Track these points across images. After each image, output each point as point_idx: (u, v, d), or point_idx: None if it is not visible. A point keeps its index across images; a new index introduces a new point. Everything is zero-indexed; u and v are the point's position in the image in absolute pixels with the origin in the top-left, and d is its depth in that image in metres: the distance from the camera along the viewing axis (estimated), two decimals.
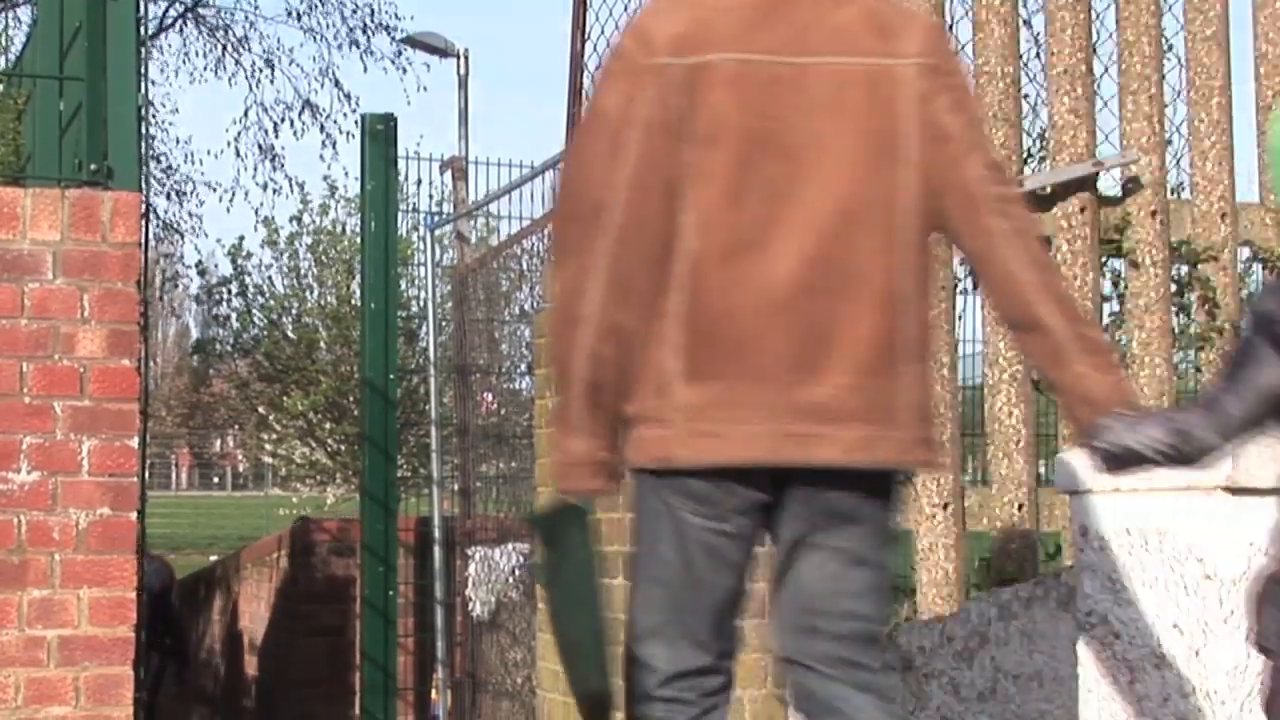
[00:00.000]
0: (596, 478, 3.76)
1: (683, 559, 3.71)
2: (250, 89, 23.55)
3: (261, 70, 23.21)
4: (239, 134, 23.46)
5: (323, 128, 23.32)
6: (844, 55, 3.69)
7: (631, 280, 3.67)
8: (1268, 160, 5.30)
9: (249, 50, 23.25)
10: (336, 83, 23.60)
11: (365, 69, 23.06)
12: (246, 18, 23.54)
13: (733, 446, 3.63)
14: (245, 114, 23.69)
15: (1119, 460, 3.65)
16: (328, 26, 23.18)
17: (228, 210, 24.81)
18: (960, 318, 6.77)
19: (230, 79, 23.34)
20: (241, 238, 20.34)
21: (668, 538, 3.71)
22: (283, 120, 23.39)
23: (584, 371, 3.70)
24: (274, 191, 23.17)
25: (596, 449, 3.73)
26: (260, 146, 23.46)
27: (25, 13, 18.12)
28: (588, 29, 7.69)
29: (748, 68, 3.67)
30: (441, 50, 21.81)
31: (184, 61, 23.23)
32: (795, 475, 3.67)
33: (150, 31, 21.70)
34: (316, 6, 22.98)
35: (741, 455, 3.63)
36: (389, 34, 23.24)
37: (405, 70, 23.44)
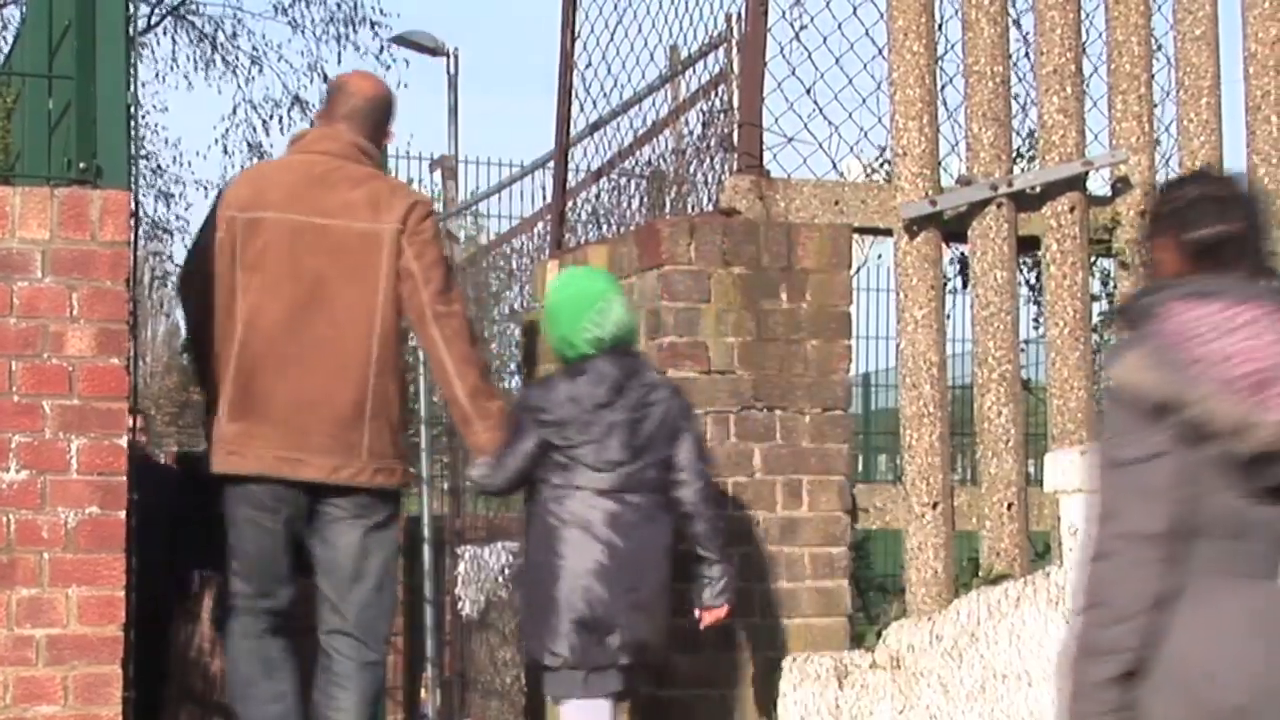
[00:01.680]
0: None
1: (238, 532, 5.77)
2: (239, 86, 23.52)
3: (249, 69, 23.18)
4: (227, 131, 23.43)
5: (312, 124, 23.27)
6: (350, 221, 5.72)
7: (216, 349, 5.77)
8: (548, 322, 5.78)
9: (237, 48, 23.22)
10: (325, 78, 23.53)
11: (340, 61, 22.90)
12: (234, 15, 23.50)
13: (248, 464, 5.68)
14: (234, 111, 23.64)
15: (480, 485, 6.15)
16: (314, 21, 23.11)
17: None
18: (949, 317, 6.78)
19: (219, 78, 23.31)
20: None
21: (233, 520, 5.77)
22: (271, 117, 23.37)
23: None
24: None
25: None
26: (249, 144, 23.42)
27: (14, 12, 18.08)
28: (577, 28, 7.69)
29: (286, 222, 5.70)
30: (431, 49, 21.76)
31: (172, 66, 23.13)
32: (301, 486, 5.69)
33: (146, 25, 21.68)
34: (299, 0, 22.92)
35: (253, 469, 5.68)
36: (374, 29, 23.20)
37: (389, 67, 23.36)
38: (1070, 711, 3.52)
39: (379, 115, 5.93)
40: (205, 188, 23.42)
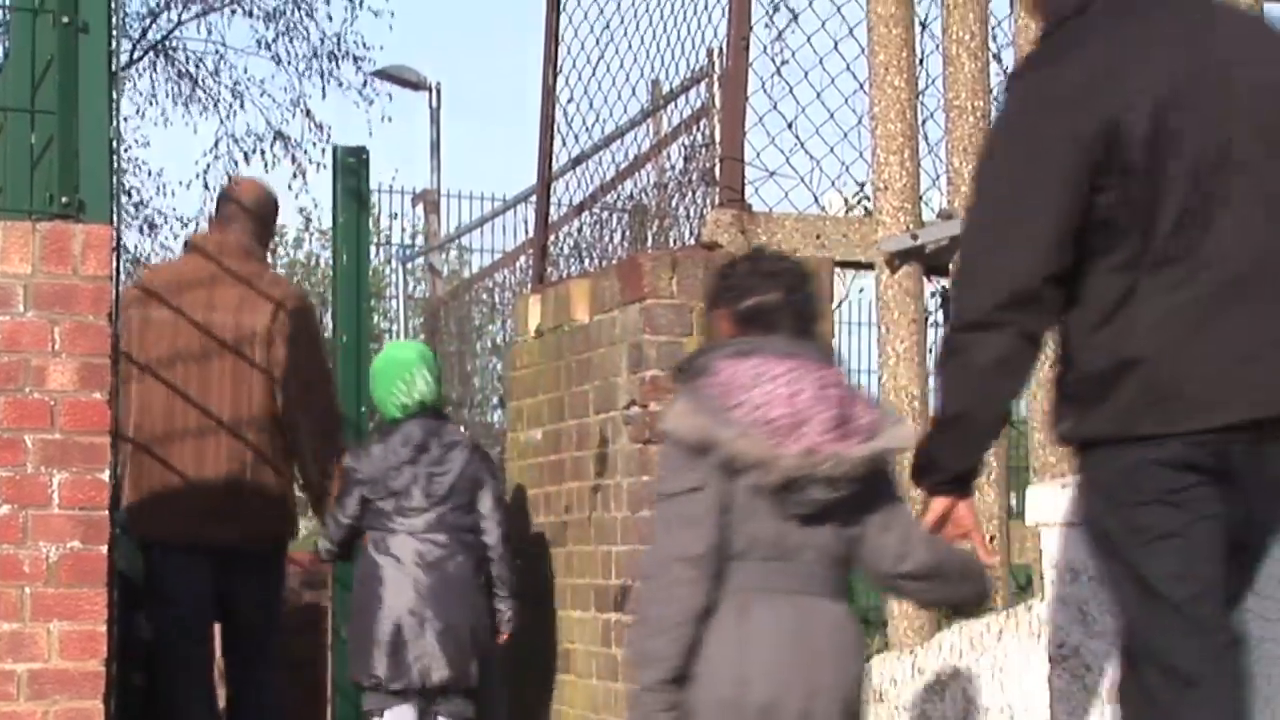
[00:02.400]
0: None
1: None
2: (220, 121, 23.51)
3: (231, 104, 23.18)
4: (208, 166, 23.41)
5: (294, 158, 23.28)
6: (231, 316, 6.44)
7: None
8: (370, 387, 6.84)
9: (219, 83, 23.21)
10: (307, 112, 23.54)
11: (324, 95, 22.91)
12: (217, 51, 23.46)
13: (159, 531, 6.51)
14: (215, 145, 23.62)
15: (322, 553, 6.96)
16: (296, 55, 23.10)
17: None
18: (931, 350, 6.78)
19: (201, 113, 23.30)
20: None
21: None
22: (254, 151, 23.35)
23: None
24: None
25: None
26: (230, 178, 23.39)
27: None
28: (559, 62, 7.71)
29: (178, 319, 6.40)
30: (414, 83, 21.80)
31: (152, 101, 23.10)
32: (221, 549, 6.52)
33: (129, 60, 21.68)
34: (283, 34, 22.92)
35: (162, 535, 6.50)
36: (357, 64, 23.20)
37: (373, 101, 23.36)
38: (632, 711, 4.14)
39: (264, 216, 6.73)
40: (185, 223, 23.40)
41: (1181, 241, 3.70)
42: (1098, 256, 3.76)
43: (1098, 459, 3.81)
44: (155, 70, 22.88)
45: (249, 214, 6.63)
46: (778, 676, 4.03)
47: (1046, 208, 3.73)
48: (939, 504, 4.06)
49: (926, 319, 6.78)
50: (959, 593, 4.35)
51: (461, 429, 7.58)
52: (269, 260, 7.02)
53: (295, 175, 23.23)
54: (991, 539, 6.56)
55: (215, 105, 23.19)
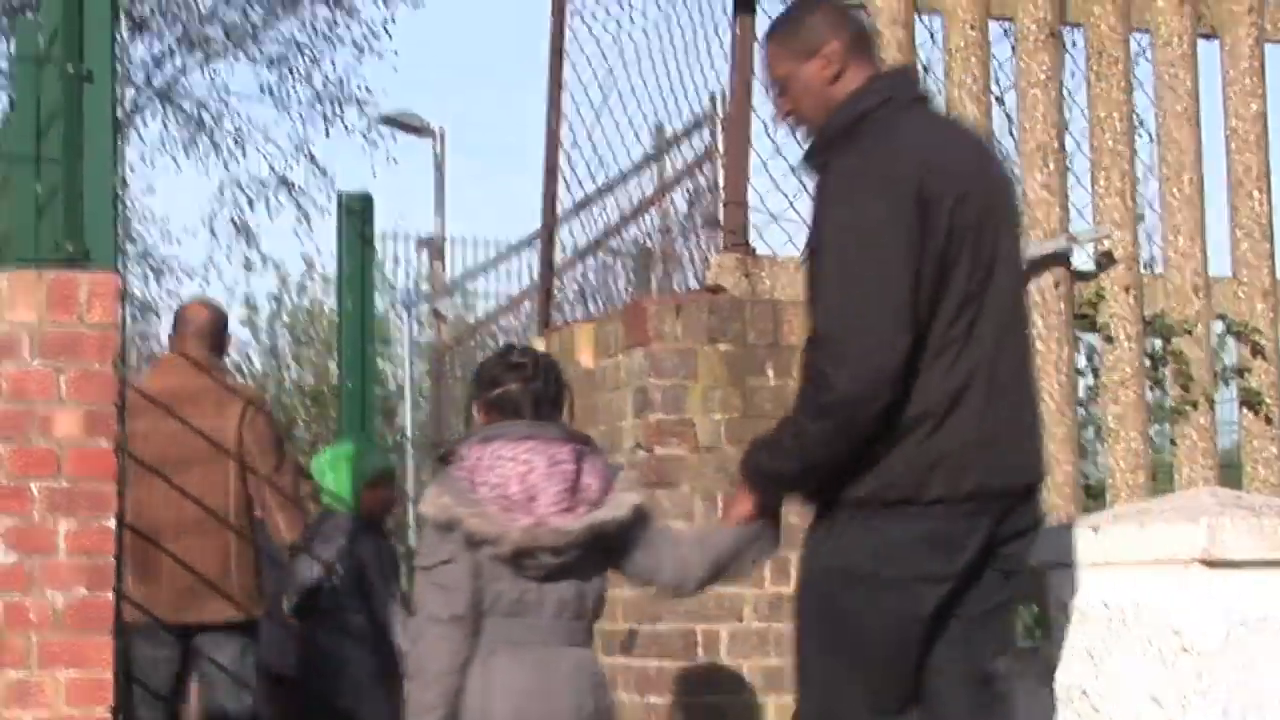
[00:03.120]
0: None
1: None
2: (225, 167, 23.55)
3: (233, 150, 23.23)
4: (214, 213, 23.46)
5: (298, 204, 23.33)
6: (204, 420, 7.00)
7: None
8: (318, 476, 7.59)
9: (222, 129, 23.26)
10: (312, 158, 23.59)
11: (328, 134, 22.94)
12: (221, 98, 23.51)
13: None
14: (220, 191, 23.69)
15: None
16: (299, 101, 23.15)
17: (203, 291, 24.78)
18: None
19: (205, 159, 23.34)
20: None
21: None
22: (258, 197, 23.40)
23: None
24: (247, 268, 23.11)
25: None
26: (235, 223, 23.43)
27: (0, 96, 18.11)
28: (563, 107, 7.73)
29: (155, 429, 6.92)
30: (418, 129, 21.86)
31: (162, 148, 23.16)
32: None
33: (132, 108, 21.72)
34: (286, 78, 22.97)
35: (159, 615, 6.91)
36: (360, 108, 23.24)
37: (377, 145, 23.41)
38: None
39: (215, 332, 7.43)
40: (191, 275, 23.45)
41: (959, 327, 4.17)
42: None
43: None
44: (165, 115, 22.95)
45: (202, 333, 7.37)
46: (517, 717, 4.67)
47: (900, 282, 4.07)
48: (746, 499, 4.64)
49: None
50: (751, 562, 4.90)
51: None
52: (226, 367, 7.84)
53: (299, 221, 23.28)
54: None
55: (217, 151, 23.24)
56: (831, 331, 4.18)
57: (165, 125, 23.11)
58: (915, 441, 4.14)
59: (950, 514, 4.15)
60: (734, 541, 4.76)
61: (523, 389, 4.88)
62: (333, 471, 7.52)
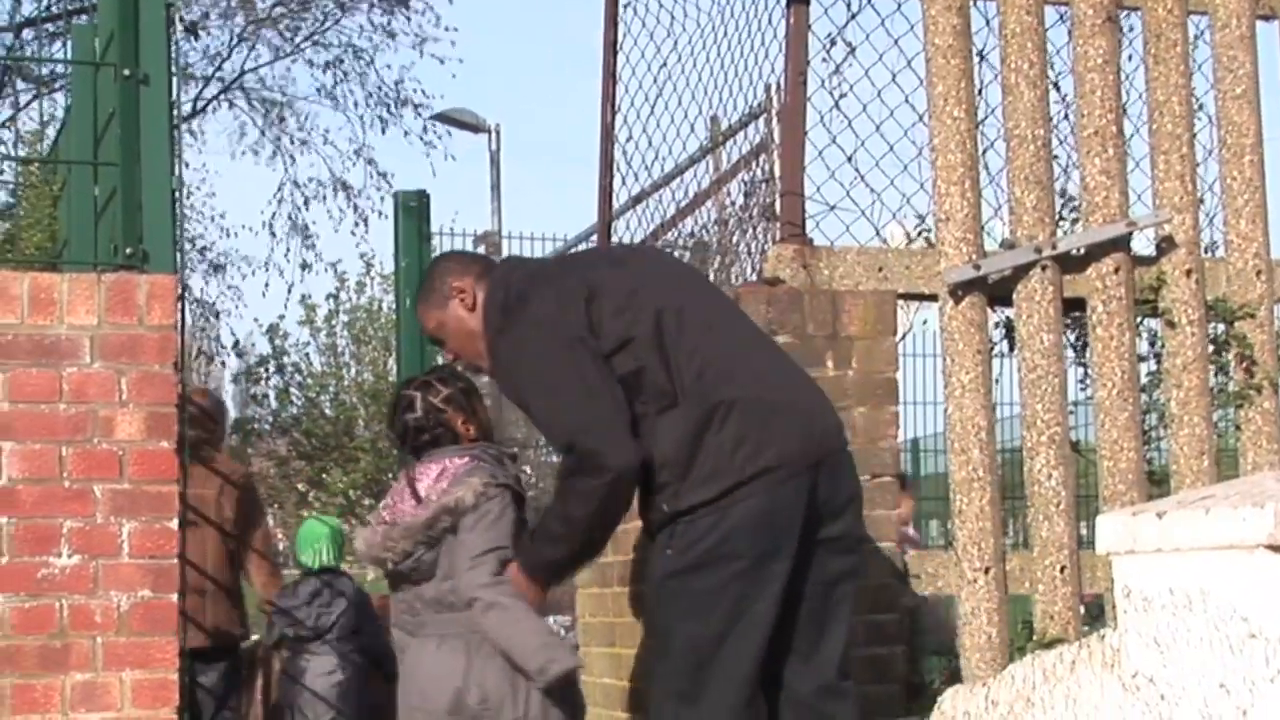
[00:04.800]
0: None
1: None
2: (285, 168, 23.68)
3: (295, 148, 23.35)
4: (274, 215, 23.58)
5: (356, 206, 23.44)
6: (199, 490, 7.57)
7: None
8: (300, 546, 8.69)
9: (284, 130, 23.38)
10: (370, 161, 23.70)
11: (384, 130, 23.05)
12: (283, 92, 23.62)
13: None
14: (279, 189, 23.81)
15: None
16: (354, 104, 23.26)
17: (263, 294, 24.99)
18: (997, 381, 6.76)
19: (268, 158, 23.47)
20: (281, 317, 20.31)
21: None
22: (316, 197, 23.51)
23: None
24: (304, 268, 23.25)
25: None
26: (293, 222, 23.56)
27: (60, 99, 18.23)
28: (617, 101, 7.72)
29: None
30: (473, 126, 21.93)
31: (240, 137, 23.35)
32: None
33: (191, 109, 21.86)
34: (343, 80, 23.08)
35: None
36: (416, 110, 23.30)
37: (435, 145, 23.50)
38: None
39: (213, 414, 8.33)
40: (255, 269, 23.59)
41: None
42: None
43: None
44: (234, 103, 23.09)
45: (200, 416, 7.98)
46: (408, 694, 5.56)
47: (605, 385, 5.03)
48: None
49: (991, 349, 6.75)
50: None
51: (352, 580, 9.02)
52: (221, 445, 8.71)
53: (357, 224, 23.38)
54: (1062, 569, 6.52)
55: (276, 152, 23.37)
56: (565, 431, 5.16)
57: (239, 115, 23.25)
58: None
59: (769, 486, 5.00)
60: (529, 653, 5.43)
61: (392, 427, 5.85)
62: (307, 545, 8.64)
